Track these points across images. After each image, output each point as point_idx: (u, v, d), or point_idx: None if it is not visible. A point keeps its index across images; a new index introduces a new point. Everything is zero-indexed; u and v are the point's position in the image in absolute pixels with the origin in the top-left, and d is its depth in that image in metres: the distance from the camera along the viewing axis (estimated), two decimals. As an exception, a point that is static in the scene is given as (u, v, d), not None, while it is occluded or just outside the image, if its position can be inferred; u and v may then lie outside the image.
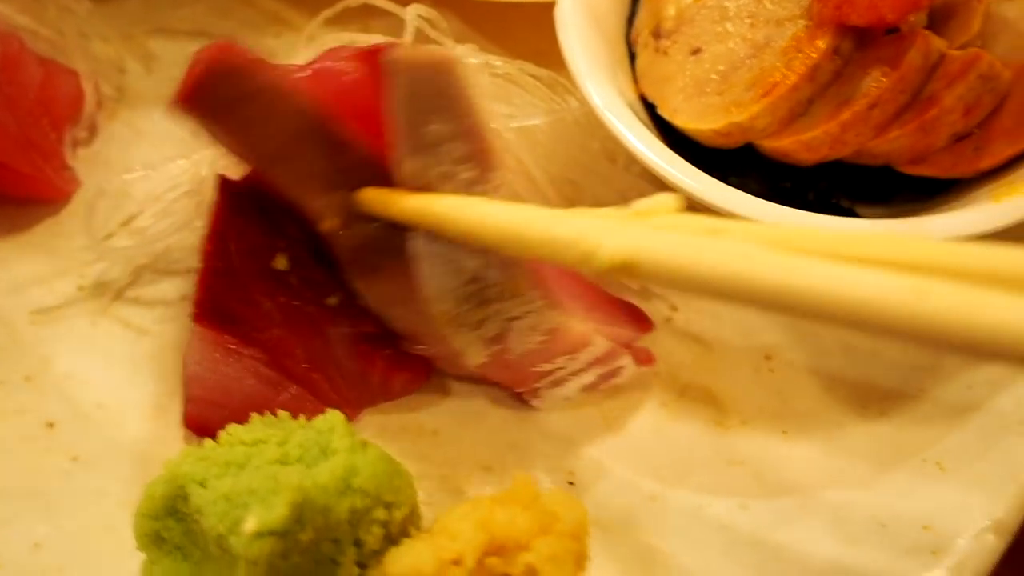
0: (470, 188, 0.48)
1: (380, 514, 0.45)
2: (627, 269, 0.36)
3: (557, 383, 0.54)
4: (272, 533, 0.41)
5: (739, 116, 0.56)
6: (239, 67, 0.48)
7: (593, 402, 0.57)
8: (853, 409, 0.55)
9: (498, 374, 0.54)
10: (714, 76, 0.58)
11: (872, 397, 0.56)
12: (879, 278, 0.29)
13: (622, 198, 0.63)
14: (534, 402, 0.56)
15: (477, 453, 0.55)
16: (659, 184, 0.55)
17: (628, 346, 0.55)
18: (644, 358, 0.56)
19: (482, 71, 0.61)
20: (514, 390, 0.56)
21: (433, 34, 0.62)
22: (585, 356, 0.53)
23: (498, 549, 0.43)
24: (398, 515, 0.46)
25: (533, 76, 0.62)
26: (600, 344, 0.53)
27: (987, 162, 0.56)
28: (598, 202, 0.63)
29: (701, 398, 0.57)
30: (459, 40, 0.64)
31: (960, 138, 0.57)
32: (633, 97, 0.62)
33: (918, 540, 0.48)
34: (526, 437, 0.56)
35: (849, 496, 0.52)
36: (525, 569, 0.43)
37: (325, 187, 0.50)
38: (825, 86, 0.56)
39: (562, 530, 0.43)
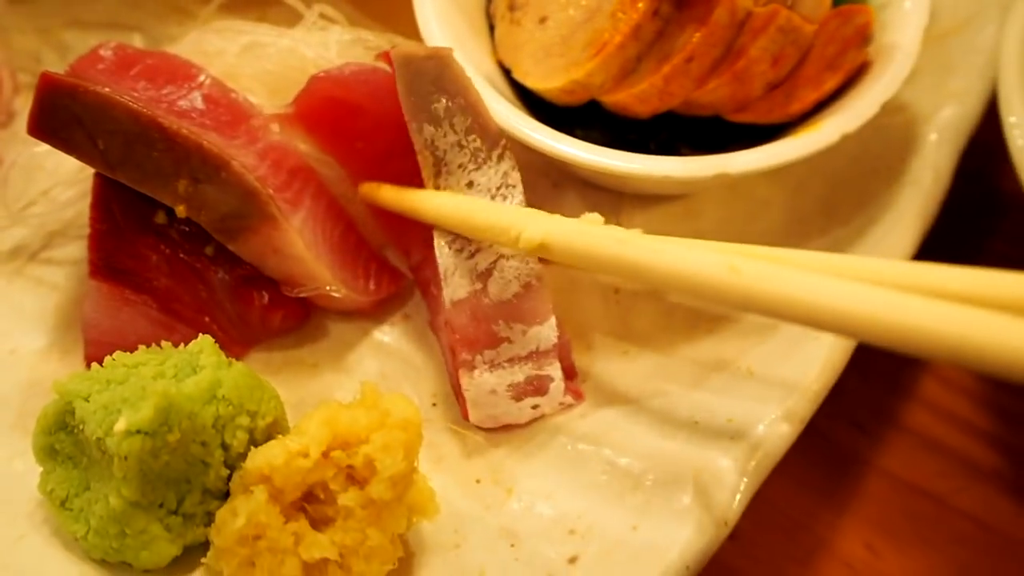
0: (477, 156, 0.58)
1: (244, 421, 0.52)
2: (543, 249, 0.51)
3: (494, 366, 0.56)
4: (140, 432, 0.48)
5: (578, 74, 0.63)
6: (65, 93, 0.56)
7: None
8: (684, 329, 0.62)
9: (457, 324, 0.56)
10: (557, 40, 0.65)
11: (701, 319, 0.62)
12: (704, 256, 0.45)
13: None
14: (463, 380, 0.56)
15: (351, 382, 0.62)
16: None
17: (565, 370, 0.58)
18: (575, 389, 0.59)
19: (355, 45, 0.67)
20: (456, 353, 0.56)
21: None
22: (535, 336, 0.56)
23: (342, 444, 0.50)
24: (261, 423, 0.52)
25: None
26: (550, 330, 0.56)
27: (796, 107, 0.63)
28: None
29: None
30: (352, 23, 0.71)
31: (774, 87, 0.64)
32: (492, 65, 0.69)
33: (722, 430, 0.55)
34: (395, 367, 0.63)
35: (672, 401, 0.58)
36: (364, 459, 0.49)
37: (167, 179, 0.57)
38: (649, 44, 0.63)
39: (393, 424, 0.50)
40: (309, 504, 0.51)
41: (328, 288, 0.60)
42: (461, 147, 0.57)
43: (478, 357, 0.56)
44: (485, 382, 0.56)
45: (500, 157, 0.57)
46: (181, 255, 0.61)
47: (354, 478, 0.50)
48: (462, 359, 0.56)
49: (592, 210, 0.55)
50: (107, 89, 0.57)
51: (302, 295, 0.61)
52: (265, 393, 0.54)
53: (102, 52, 0.62)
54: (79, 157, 0.58)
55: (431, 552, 0.53)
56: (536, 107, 0.67)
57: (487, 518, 0.55)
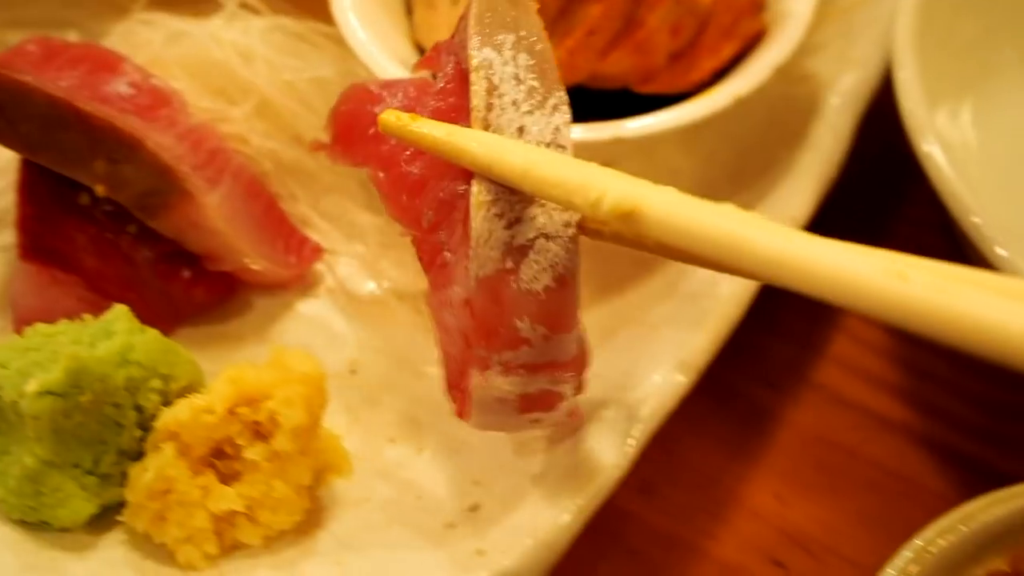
0: (532, 97, 0.47)
1: (156, 384, 0.54)
2: (630, 216, 0.37)
3: (508, 370, 0.46)
4: (51, 393, 0.50)
5: (486, 52, 0.66)
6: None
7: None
8: (594, 293, 0.64)
9: (478, 307, 0.46)
10: (468, 20, 0.68)
11: (611, 280, 0.65)
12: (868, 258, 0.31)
13: None
14: (473, 379, 0.47)
15: (274, 353, 0.64)
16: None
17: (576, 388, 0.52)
18: (576, 412, 0.52)
19: (275, 31, 0.70)
20: (471, 343, 0.47)
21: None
22: (557, 345, 0.47)
23: (247, 400, 0.52)
24: (175, 386, 0.55)
25: (324, 34, 0.71)
26: (575, 341, 0.47)
27: (696, 75, 0.66)
28: None
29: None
30: (274, 9, 0.73)
31: (676, 57, 0.67)
32: (410, 49, 0.72)
33: (618, 382, 0.57)
34: (315, 338, 0.65)
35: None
36: (267, 414, 0.52)
37: (85, 160, 0.59)
38: (553, 20, 0.65)
39: (295, 379, 0.52)
40: (219, 460, 0.53)
41: (248, 261, 0.63)
42: (518, 81, 0.47)
43: (495, 356, 0.46)
44: (496, 387, 0.47)
45: (555, 108, 0.47)
46: (106, 235, 0.63)
47: (260, 433, 0.52)
48: (477, 354, 0.46)
49: None
50: (28, 77, 0.60)
51: (224, 269, 0.63)
52: (179, 358, 0.56)
53: (29, 46, 0.65)
54: (3, 143, 0.61)
55: (341, 506, 0.56)
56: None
57: (398, 473, 0.57)
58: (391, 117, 0.48)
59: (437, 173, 0.49)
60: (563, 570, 0.58)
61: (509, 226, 0.45)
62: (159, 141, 0.61)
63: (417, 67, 0.56)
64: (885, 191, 0.78)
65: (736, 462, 0.65)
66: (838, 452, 0.66)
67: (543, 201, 0.44)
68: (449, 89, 0.50)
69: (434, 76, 0.54)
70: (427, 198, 0.50)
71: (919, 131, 0.61)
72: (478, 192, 0.45)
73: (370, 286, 0.67)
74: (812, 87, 0.71)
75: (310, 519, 0.54)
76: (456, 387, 0.50)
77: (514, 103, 0.47)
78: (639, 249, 0.41)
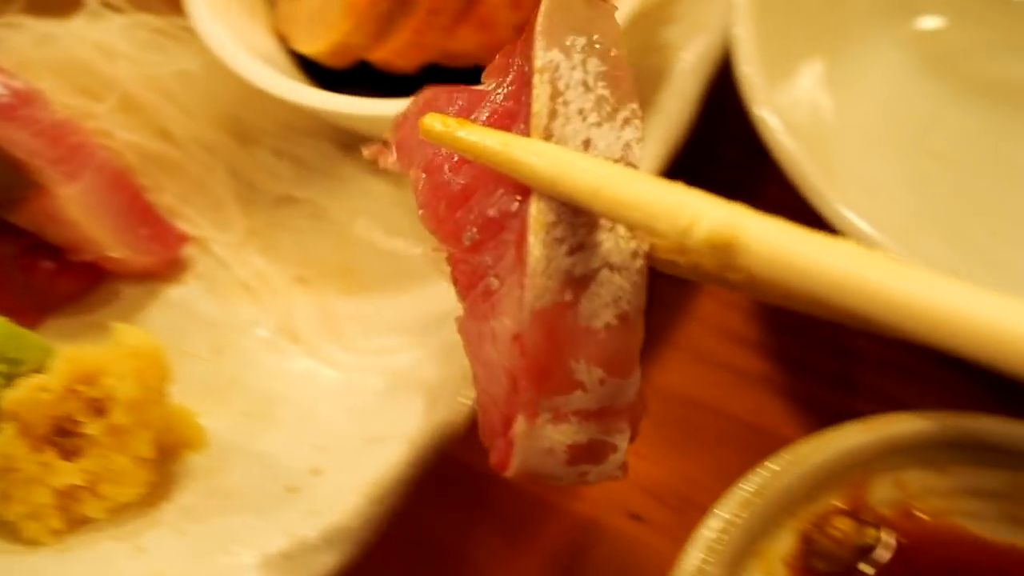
0: (601, 107, 0.42)
1: (2, 368, 0.55)
2: (727, 248, 0.30)
3: (559, 417, 0.40)
4: None
5: (338, 35, 0.68)
6: None
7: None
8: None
9: (531, 344, 0.39)
10: (322, 7, 0.70)
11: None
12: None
13: (280, 125, 0.75)
14: (519, 427, 0.40)
15: (142, 340, 0.65)
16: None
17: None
18: (625, 466, 0.46)
19: (138, 28, 0.72)
20: (519, 387, 0.40)
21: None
22: (613, 390, 0.41)
23: (85, 378, 0.54)
24: (23, 370, 0.56)
25: (186, 29, 0.73)
26: (632, 387, 0.41)
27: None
28: (262, 131, 0.74)
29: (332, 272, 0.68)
30: (138, 7, 0.75)
31: (521, 30, 0.68)
32: (272, 41, 0.74)
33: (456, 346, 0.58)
34: (182, 323, 0.67)
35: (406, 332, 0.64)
36: (105, 389, 0.53)
37: None
38: (400, 1, 0.67)
39: (128, 354, 0.54)
40: (62, 437, 0.54)
41: (109, 251, 0.64)
42: (587, 88, 0.42)
43: (544, 401, 0.40)
44: (545, 437, 0.41)
45: (626, 122, 0.42)
46: (-35, 231, 0.65)
47: (100, 409, 0.54)
48: (526, 397, 0.40)
49: (378, 170, 0.58)
50: None
51: (86, 259, 0.65)
52: (28, 343, 0.57)
53: None
54: None
55: (192, 478, 0.57)
56: (322, 78, 0.71)
57: (250, 445, 0.59)
58: (435, 122, 0.43)
59: (485, 185, 0.43)
60: (430, 535, 0.61)
61: (571, 252, 0.39)
62: (13, 138, 0.62)
63: (487, 75, 0.48)
64: (751, 153, 0.80)
65: None
66: (700, 409, 0.67)
67: (609, 225, 0.39)
68: (507, 92, 0.45)
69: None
70: (471, 213, 0.44)
71: (752, 93, 0.63)
72: (538, 212, 0.38)
73: (237, 272, 0.68)
74: (664, 56, 0.73)
75: (157, 492, 0.56)
76: (499, 434, 0.43)
77: (581, 112, 0.41)
78: (717, 285, 0.38)
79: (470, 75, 0.69)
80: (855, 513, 0.54)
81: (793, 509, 0.53)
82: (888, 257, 0.27)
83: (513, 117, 0.43)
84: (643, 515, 0.62)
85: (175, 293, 0.68)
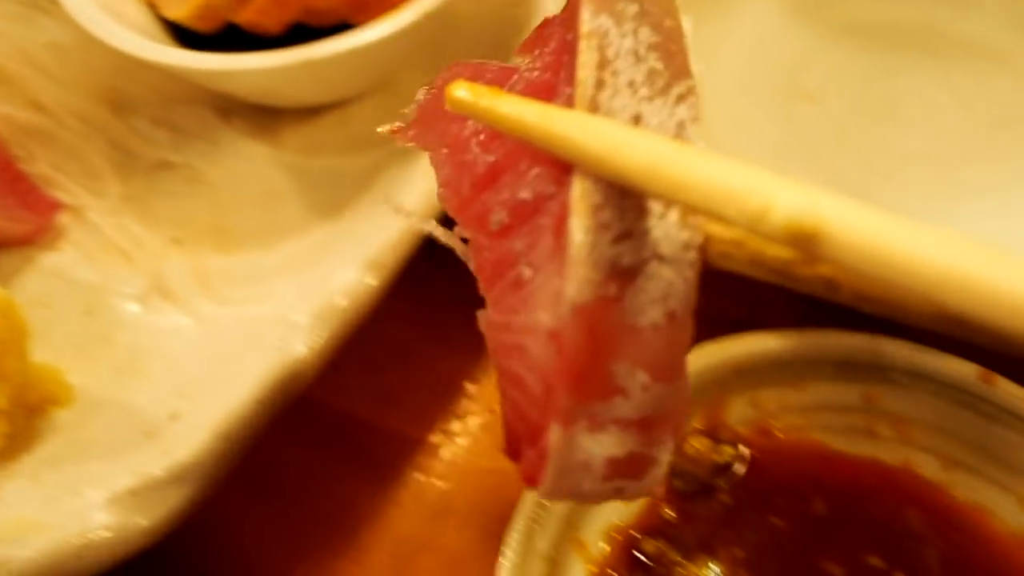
0: (653, 81, 0.36)
1: None
2: (808, 237, 0.26)
3: (596, 426, 0.35)
4: None
5: (197, -1, 0.68)
6: None
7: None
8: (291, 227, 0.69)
9: (570, 344, 0.33)
10: (183, -30, 0.70)
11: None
12: None
13: (157, 93, 0.75)
14: (555, 436, 0.35)
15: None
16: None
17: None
18: (663, 482, 0.41)
19: (5, 1, 0.72)
20: (555, 391, 0.35)
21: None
22: (657, 397, 0.35)
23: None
24: None
25: (54, 1, 0.73)
26: (678, 394, 0.36)
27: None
28: (139, 100, 0.75)
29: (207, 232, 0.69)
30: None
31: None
32: (141, 9, 0.74)
33: (311, 282, 0.61)
34: (56, 288, 0.66)
35: (270, 281, 0.66)
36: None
37: None
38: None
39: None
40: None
41: (-25, 221, 0.65)
42: (637, 59, 0.36)
43: (582, 408, 0.35)
44: (581, 448, 0.36)
45: (680, 98, 0.36)
46: None
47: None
48: (561, 403, 0.34)
49: (255, 134, 0.59)
50: None
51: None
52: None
53: None
54: None
55: (55, 432, 0.57)
56: (193, 45, 0.72)
57: (113, 397, 0.59)
58: (462, 91, 0.36)
59: (518, 164, 0.37)
60: (295, 477, 0.63)
61: (617, 240, 0.33)
62: None
63: (520, 50, 0.43)
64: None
65: (476, 364, 0.68)
66: None
67: (660, 211, 0.34)
68: (544, 63, 0.39)
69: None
70: (500, 194, 0.38)
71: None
72: (582, 192, 0.33)
73: (111, 236, 0.69)
74: (534, 7, 0.74)
75: (18, 445, 0.56)
76: (529, 444, 0.38)
77: (631, 84, 0.36)
78: (778, 280, 0.34)
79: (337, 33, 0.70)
80: (712, 432, 0.56)
81: None
82: (1004, 251, 0.23)
83: (550, 91, 0.38)
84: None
85: (49, 259, 0.68)
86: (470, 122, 0.39)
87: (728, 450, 0.56)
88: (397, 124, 0.46)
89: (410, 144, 0.44)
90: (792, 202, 0.26)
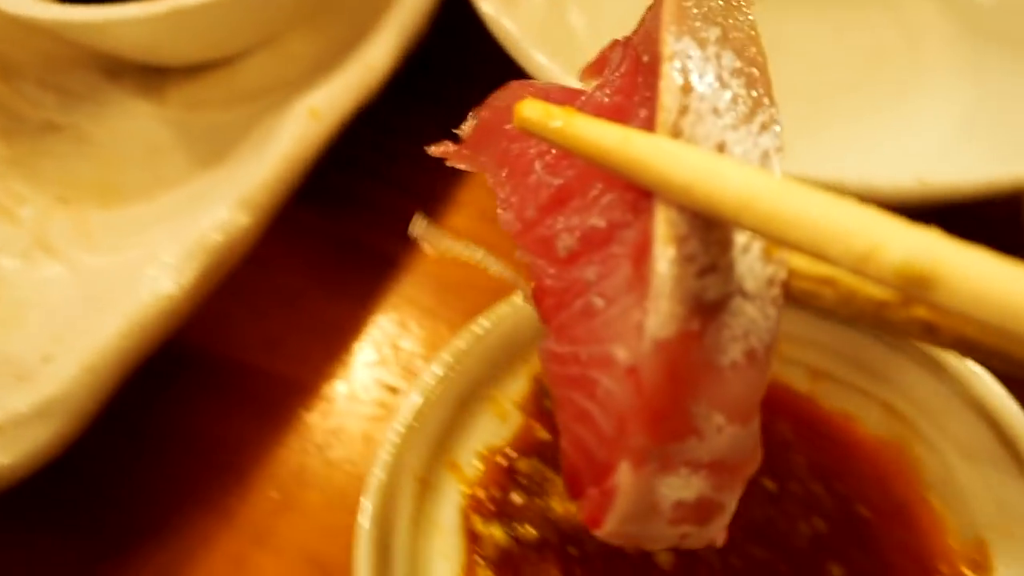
0: (737, 107, 0.34)
1: None
2: (921, 281, 0.24)
3: (667, 467, 0.33)
4: None
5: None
6: None
7: None
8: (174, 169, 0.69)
9: (649, 381, 0.32)
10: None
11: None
12: None
13: (44, 57, 0.73)
14: (625, 477, 0.33)
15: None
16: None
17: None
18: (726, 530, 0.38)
19: None
20: (627, 431, 0.33)
21: None
22: (730, 439, 0.34)
23: None
24: None
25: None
26: (749, 438, 0.34)
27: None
28: (25, 64, 0.72)
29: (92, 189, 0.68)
30: None
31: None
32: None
33: (184, 221, 0.61)
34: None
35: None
36: None
37: None
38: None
39: None
40: None
41: None
42: (722, 84, 0.35)
43: (655, 449, 0.33)
44: (651, 489, 0.34)
45: (764, 127, 0.35)
46: None
47: None
48: (636, 443, 0.33)
49: (141, 93, 0.58)
50: None
51: None
52: None
53: None
54: None
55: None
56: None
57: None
58: (532, 110, 0.34)
59: (588, 188, 0.35)
60: (198, 430, 0.63)
61: (701, 274, 0.32)
62: None
63: (585, 74, 0.41)
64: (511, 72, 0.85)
65: (362, 307, 0.70)
66: (463, 285, 0.71)
67: (743, 245, 0.32)
68: (616, 85, 0.37)
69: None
70: (569, 219, 0.36)
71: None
72: (667, 222, 0.31)
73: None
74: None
75: None
76: (593, 483, 0.35)
77: (715, 111, 0.34)
78: (872, 325, 0.32)
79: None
80: None
81: (525, 355, 0.57)
82: None
83: (624, 114, 0.35)
84: (400, 388, 0.66)
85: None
86: (534, 142, 0.37)
87: None
88: (448, 144, 0.43)
89: (462, 165, 0.42)
90: (906, 243, 0.24)
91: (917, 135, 0.73)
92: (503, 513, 0.53)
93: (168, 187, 0.68)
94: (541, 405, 0.57)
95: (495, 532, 0.52)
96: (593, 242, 0.35)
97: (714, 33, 0.35)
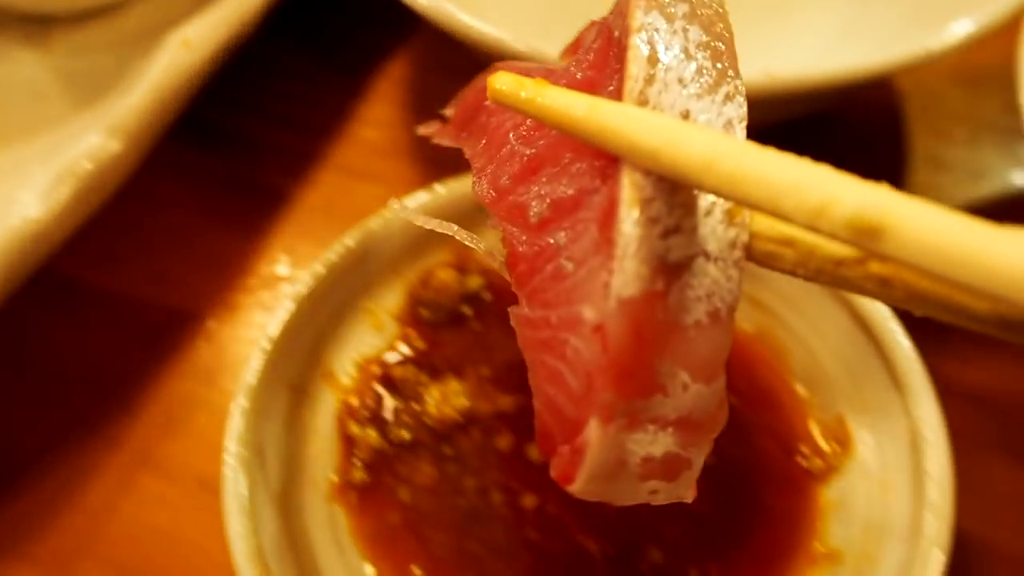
0: (702, 78, 0.35)
1: None
2: (870, 233, 0.25)
3: (634, 423, 0.34)
4: None
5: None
6: None
7: None
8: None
9: (615, 338, 0.33)
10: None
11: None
12: None
13: None
14: (594, 432, 0.34)
15: None
16: None
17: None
18: (694, 489, 0.39)
19: None
20: (596, 386, 0.34)
21: None
22: (695, 397, 0.35)
23: None
24: None
25: None
26: (714, 396, 0.35)
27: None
28: None
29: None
30: None
31: None
32: None
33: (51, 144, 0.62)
34: None
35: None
36: None
37: None
38: None
39: None
40: None
41: None
42: (687, 56, 0.36)
43: (623, 405, 0.34)
44: (619, 445, 0.35)
45: (728, 97, 0.36)
46: None
47: None
48: (603, 399, 0.34)
49: (26, 42, 0.63)
50: None
51: None
52: None
53: None
54: None
55: None
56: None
57: None
58: (504, 82, 0.35)
59: (559, 157, 0.37)
60: (88, 362, 0.63)
61: (665, 235, 0.33)
62: None
63: (564, 55, 0.42)
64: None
65: (249, 240, 0.70)
66: (348, 213, 0.70)
67: (706, 208, 0.33)
68: (589, 60, 0.38)
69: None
70: (540, 187, 0.37)
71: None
72: (632, 184, 0.32)
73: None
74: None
75: None
76: (564, 441, 0.37)
77: (680, 81, 0.35)
78: (829, 283, 0.33)
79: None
80: (460, 265, 0.60)
81: (398, 268, 0.59)
82: None
83: (596, 87, 0.37)
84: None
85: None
86: (509, 115, 0.38)
87: (475, 280, 0.60)
88: (435, 124, 0.44)
89: (446, 142, 0.42)
90: (855, 197, 0.25)
91: (796, 45, 0.75)
92: (378, 418, 0.55)
93: (50, 128, 0.68)
94: (415, 315, 0.59)
95: (370, 435, 0.54)
96: (563, 208, 0.36)
97: (682, 9, 0.37)
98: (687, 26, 0.36)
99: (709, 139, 0.29)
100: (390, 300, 0.59)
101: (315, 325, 0.55)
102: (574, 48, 0.41)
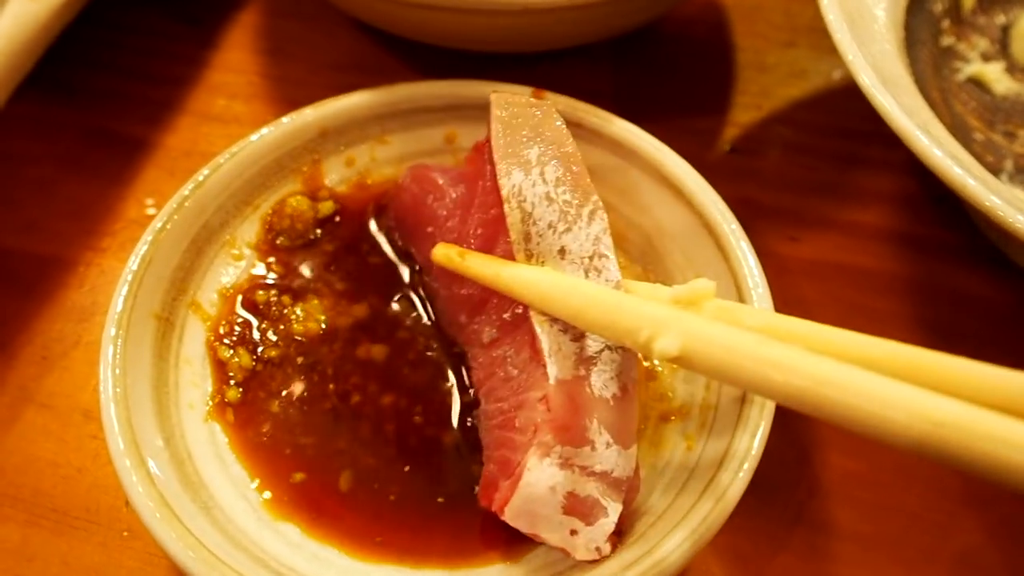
0: (567, 213, 0.49)
1: None
2: (680, 360, 0.41)
3: (566, 464, 0.45)
4: None
5: None
6: None
7: None
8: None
9: (556, 404, 0.45)
10: None
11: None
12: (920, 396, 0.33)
13: None
14: (531, 460, 0.45)
15: None
16: None
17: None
18: (609, 540, 0.48)
19: None
20: (539, 431, 0.46)
21: None
22: (613, 457, 0.46)
23: None
24: None
25: None
26: (628, 461, 0.47)
27: None
28: None
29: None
30: None
31: None
32: None
33: None
34: None
35: None
36: None
37: None
38: None
39: None
40: None
41: None
42: (550, 201, 0.49)
43: (558, 448, 0.45)
44: (550, 475, 0.45)
45: (591, 217, 0.49)
46: None
47: None
48: (542, 439, 0.45)
49: None
50: None
51: None
52: None
53: None
54: None
55: None
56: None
57: None
58: (442, 254, 0.53)
59: (492, 296, 0.52)
60: None
61: (576, 339, 0.47)
62: None
63: (467, 163, 0.58)
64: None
65: (114, 187, 0.72)
66: (208, 156, 0.68)
67: None
68: (489, 201, 0.52)
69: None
70: (489, 316, 0.53)
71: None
72: (536, 318, 0.48)
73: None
74: None
75: None
76: (505, 477, 0.47)
77: (551, 226, 0.49)
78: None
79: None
80: (312, 193, 0.63)
81: (253, 200, 0.61)
82: (794, 353, 0.37)
83: (492, 243, 0.52)
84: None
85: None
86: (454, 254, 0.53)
87: (326, 205, 0.63)
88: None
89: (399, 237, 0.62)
90: (668, 337, 0.41)
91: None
92: (247, 339, 0.58)
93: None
94: (273, 244, 0.61)
95: (241, 356, 0.57)
96: (505, 329, 0.51)
97: (535, 152, 0.51)
98: (543, 169, 0.50)
99: (574, 293, 0.46)
100: (247, 231, 0.61)
101: (175, 258, 0.57)
102: (474, 161, 0.56)
